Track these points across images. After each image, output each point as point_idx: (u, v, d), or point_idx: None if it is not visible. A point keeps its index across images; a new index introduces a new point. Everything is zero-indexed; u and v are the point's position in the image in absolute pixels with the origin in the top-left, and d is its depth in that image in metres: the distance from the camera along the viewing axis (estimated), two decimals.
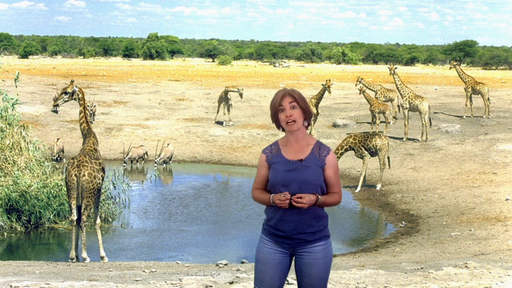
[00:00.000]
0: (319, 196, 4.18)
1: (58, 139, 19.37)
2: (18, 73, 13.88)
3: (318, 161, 4.24)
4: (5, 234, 11.27)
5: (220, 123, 23.22)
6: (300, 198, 4.11)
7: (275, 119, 4.32)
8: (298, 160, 4.24)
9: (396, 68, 20.91)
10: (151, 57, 77.48)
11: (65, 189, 11.03)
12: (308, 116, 4.30)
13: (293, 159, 4.25)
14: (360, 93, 21.73)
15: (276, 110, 4.29)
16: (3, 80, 15.71)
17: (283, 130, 4.34)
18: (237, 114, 24.89)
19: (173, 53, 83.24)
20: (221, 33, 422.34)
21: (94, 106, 22.40)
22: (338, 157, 15.75)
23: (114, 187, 13.54)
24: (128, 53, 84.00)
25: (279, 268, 4.29)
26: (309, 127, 20.18)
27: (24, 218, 11.58)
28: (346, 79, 41.05)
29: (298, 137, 4.30)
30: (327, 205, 4.25)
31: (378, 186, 15.70)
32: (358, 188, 15.60)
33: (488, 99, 24.28)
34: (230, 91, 23.27)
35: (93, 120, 21.72)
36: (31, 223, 11.63)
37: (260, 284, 4.34)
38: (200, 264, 9.20)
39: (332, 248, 4.34)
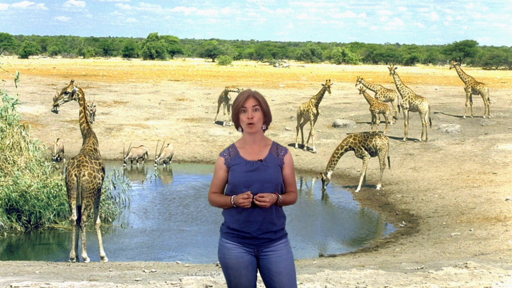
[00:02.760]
0: (279, 195, 4.26)
1: (58, 139, 19.36)
2: (18, 73, 13.88)
3: (277, 161, 4.33)
4: (5, 234, 11.27)
5: (220, 123, 23.23)
6: (262, 197, 4.18)
7: (236, 118, 4.38)
8: (258, 161, 4.31)
9: (396, 68, 20.91)
10: (151, 57, 77.49)
11: (65, 189, 11.03)
12: (268, 120, 4.40)
13: (252, 159, 4.32)
14: (360, 93, 21.73)
15: (238, 110, 4.35)
16: (3, 80, 15.69)
17: (242, 130, 4.41)
18: None
19: (173, 53, 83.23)
20: (221, 33, 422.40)
21: (94, 106, 22.40)
22: (338, 157, 15.76)
23: (114, 187, 13.53)
24: (128, 53, 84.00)
25: (251, 269, 4.34)
26: (314, 128, 20.32)
27: (24, 218, 11.57)
28: (346, 79, 41.06)
29: (256, 138, 4.37)
30: (285, 204, 4.34)
31: (378, 186, 15.70)
32: (358, 188, 15.59)
33: (488, 99, 24.28)
34: (230, 91, 23.27)
35: (93, 120, 21.72)
36: (31, 223, 11.63)
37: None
38: (200, 264, 9.20)
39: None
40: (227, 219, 4.36)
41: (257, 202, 4.18)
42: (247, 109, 4.31)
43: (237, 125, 4.39)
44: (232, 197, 4.26)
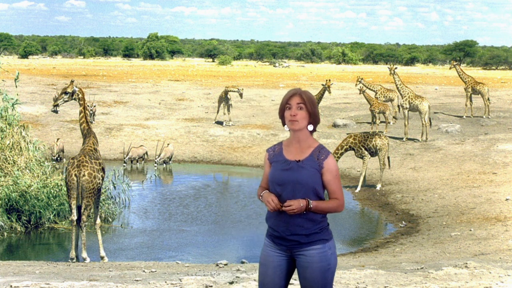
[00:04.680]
0: (310, 201, 4.15)
1: (58, 139, 19.37)
2: (18, 73, 13.88)
3: (316, 164, 4.23)
4: (5, 234, 11.27)
5: (220, 123, 23.22)
6: (290, 205, 4.12)
7: (281, 115, 4.35)
8: (295, 161, 4.26)
9: (396, 68, 20.90)
10: (151, 57, 77.51)
11: (65, 189, 11.03)
12: (315, 120, 4.31)
13: (292, 159, 4.27)
14: (360, 93, 21.73)
15: (283, 107, 4.32)
16: (3, 80, 15.66)
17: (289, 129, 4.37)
18: (237, 114, 24.89)
19: (173, 53, 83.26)
20: (221, 33, 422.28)
21: (94, 106, 22.40)
22: (338, 157, 15.74)
23: (114, 187, 13.53)
24: (128, 53, 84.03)
25: (279, 271, 4.29)
26: None
27: (24, 218, 11.57)
28: (346, 79, 41.05)
29: (300, 138, 4.31)
30: (322, 211, 4.21)
31: (378, 186, 15.70)
32: (358, 188, 15.59)
33: (488, 99, 24.27)
34: (230, 91, 23.27)
35: (93, 120, 21.72)
36: (31, 223, 11.62)
37: (260, 286, 4.36)
38: (200, 264, 9.20)
39: (334, 255, 4.27)
40: (266, 215, 4.37)
41: (284, 209, 4.14)
42: (291, 106, 4.27)
43: (283, 122, 4.36)
44: (263, 193, 4.28)
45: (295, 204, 4.11)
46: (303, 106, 4.26)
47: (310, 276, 4.20)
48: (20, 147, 12.36)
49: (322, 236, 4.24)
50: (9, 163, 12.06)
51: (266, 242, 4.36)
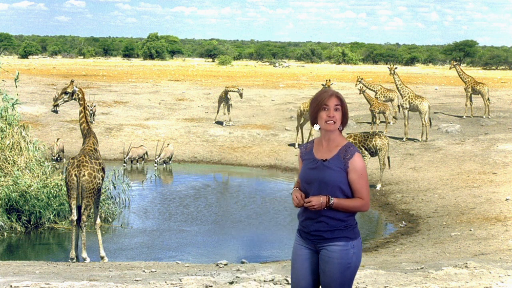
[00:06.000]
0: (331, 198, 4.23)
1: (58, 139, 19.36)
2: (18, 73, 13.88)
3: (341, 164, 4.30)
4: (5, 234, 11.27)
5: (220, 123, 23.22)
6: (309, 202, 4.23)
7: (315, 115, 4.37)
8: (322, 160, 4.33)
9: (396, 68, 20.90)
10: (151, 57, 77.53)
11: (65, 189, 11.03)
12: (345, 122, 4.39)
13: (320, 158, 4.36)
14: (360, 93, 21.73)
15: (319, 107, 4.35)
16: (3, 80, 15.67)
17: (319, 128, 4.40)
18: (237, 114, 24.89)
19: (173, 53, 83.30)
20: (221, 33, 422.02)
21: (94, 106, 22.39)
22: None
23: (114, 187, 13.53)
24: (128, 53, 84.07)
25: (307, 264, 4.40)
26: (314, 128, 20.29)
27: (24, 218, 11.57)
28: (346, 79, 41.05)
29: (330, 138, 4.38)
30: (344, 209, 4.27)
31: (378, 186, 15.70)
32: None
33: (488, 99, 24.28)
34: (230, 91, 23.27)
35: (93, 120, 21.71)
36: (31, 223, 11.62)
37: (292, 280, 4.48)
38: (200, 264, 9.20)
39: (356, 255, 4.30)
40: (298, 212, 4.49)
41: (305, 205, 4.26)
42: (329, 107, 4.32)
43: (314, 122, 4.39)
44: (293, 189, 4.43)
45: (315, 200, 4.22)
46: (340, 108, 4.33)
47: (329, 271, 4.29)
48: (20, 147, 12.36)
49: (346, 234, 4.30)
50: (9, 163, 12.06)
51: (296, 237, 4.50)
